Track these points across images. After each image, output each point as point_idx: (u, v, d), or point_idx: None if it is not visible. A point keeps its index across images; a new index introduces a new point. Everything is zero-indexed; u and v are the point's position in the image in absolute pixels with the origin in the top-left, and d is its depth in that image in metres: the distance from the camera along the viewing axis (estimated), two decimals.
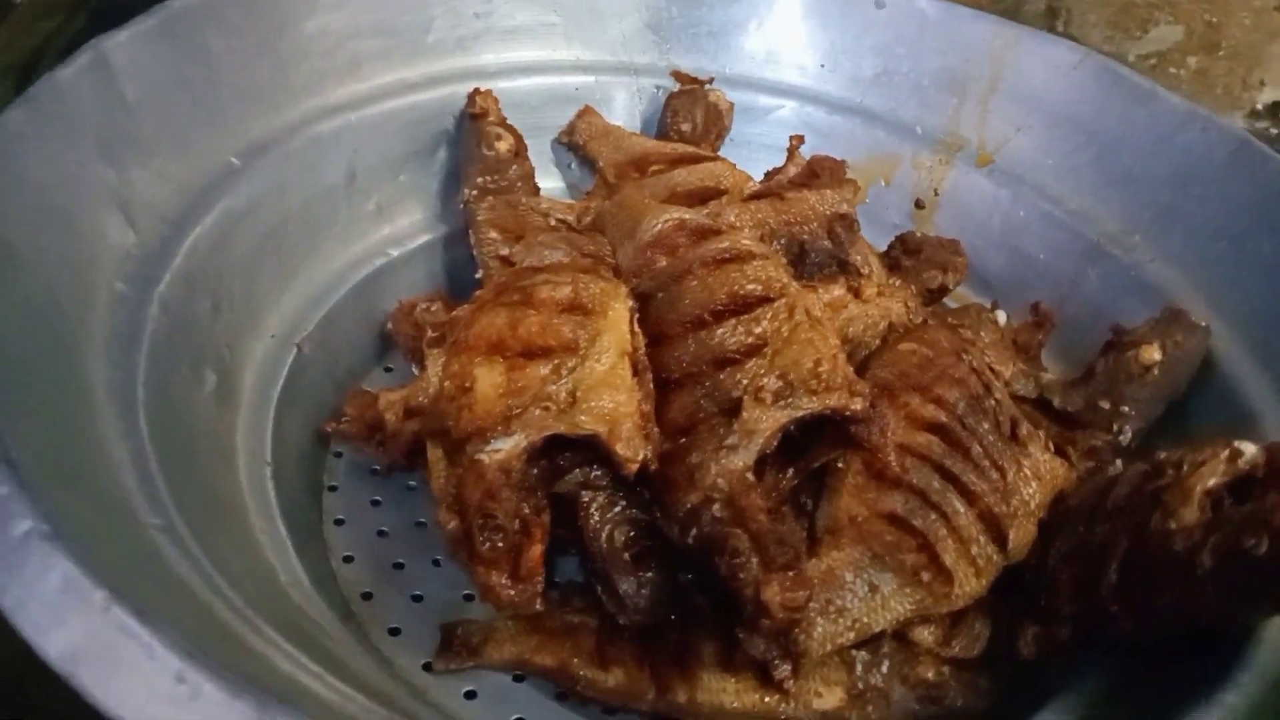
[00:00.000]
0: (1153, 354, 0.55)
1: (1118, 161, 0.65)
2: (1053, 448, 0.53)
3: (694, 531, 0.44)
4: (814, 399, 0.45)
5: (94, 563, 0.29)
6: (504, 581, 0.45)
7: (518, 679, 0.48)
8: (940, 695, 0.46)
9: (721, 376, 0.47)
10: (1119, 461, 0.57)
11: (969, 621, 0.50)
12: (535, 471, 0.46)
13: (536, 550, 0.45)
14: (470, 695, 0.47)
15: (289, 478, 0.51)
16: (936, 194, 0.71)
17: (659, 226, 0.54)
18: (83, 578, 0.29)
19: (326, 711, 0.34)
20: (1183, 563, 0.42)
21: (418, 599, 0.51)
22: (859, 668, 0.46)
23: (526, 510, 0.45)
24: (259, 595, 0.40)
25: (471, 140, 0.65)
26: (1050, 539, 0.50)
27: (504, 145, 0.65)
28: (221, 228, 0.52)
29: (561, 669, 0.47)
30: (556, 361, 0.47)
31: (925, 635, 0.48)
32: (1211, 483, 0.44)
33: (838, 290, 0.54)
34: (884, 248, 0.65)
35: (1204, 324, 0.57)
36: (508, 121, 0.66)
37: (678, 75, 0.73)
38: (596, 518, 0.48)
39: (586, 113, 0.71)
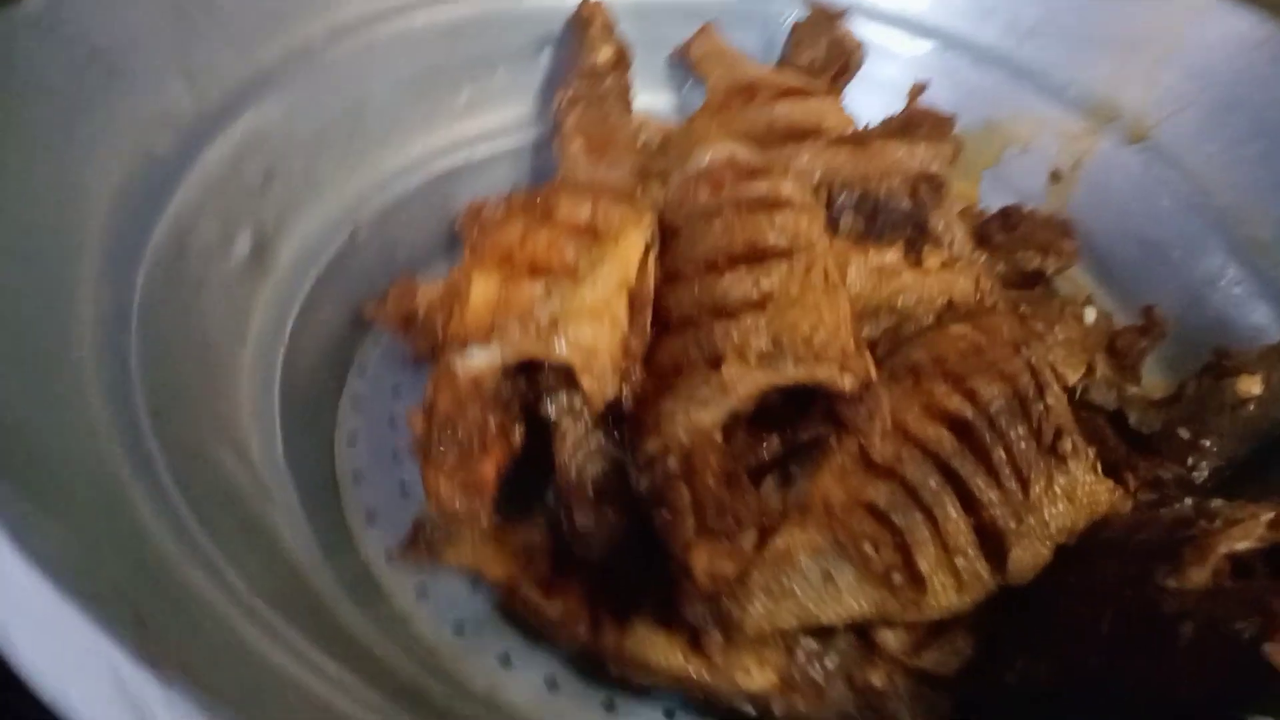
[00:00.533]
0: (1253, 386, 0.47)
1: None
2: (1100, 470, 0.46)
3: (646, 480, 0.42)
4: (800, 367, 0.42)
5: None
6: (450, 490, 0.44)
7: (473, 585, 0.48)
8: (883, 705, 0.42)
9: (715, 327, 0.44)
10: (1188, 501, 0.50)
11: (951, 635, 0.45)
12: (511, 387, 0.45)
13: (489, 467, 0.45)
14: (422, 592, 0.48)
15: (308, 357, 0.52)
16: (1076, 167, 0.63)
17: (708, 159, 0.51)
18: None
19: None
20: (1165, 628, 0.36)
21: (405, 490, 0.52)
22: (800, 655, 0.43)
23: (491, 426, 0.45)
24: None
25: (574, 46, 0.63)
26: (1067, 567, 0.44)
27: (604, 56, 0.63)
28: (290, 104, 0.53)
29: (509, 586, 0.46)
30: (553, 283, 0.45)
31: (891, 639, 0.44)
32: (1239, 547, 0.38)
33: (892, 255, 0.49)
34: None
35: None
36: (615, 33, 0.64)
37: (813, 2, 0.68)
38: (569, 448, 0.46)
39: (705, 32, 0.67)
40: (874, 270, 0.49)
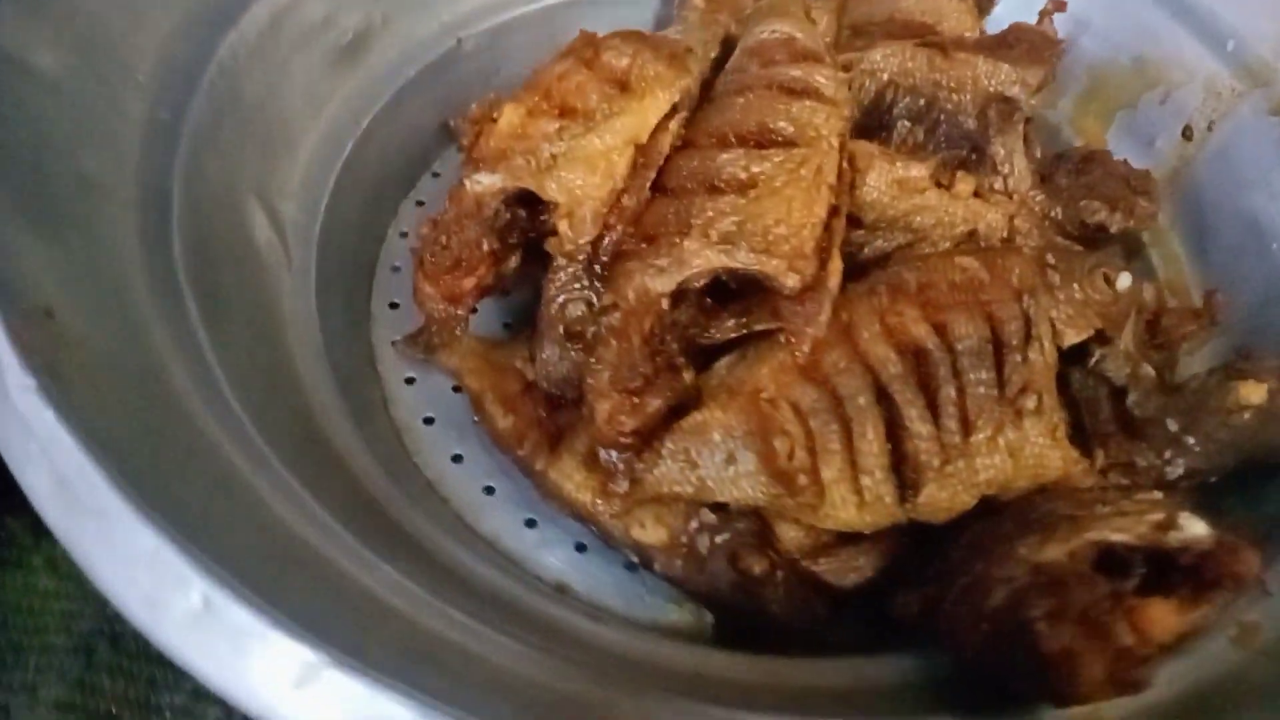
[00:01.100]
0: (1254, 394, 0.43)
1: None
2: (1061, 436, 0.45)
3: (592, 327, 0.45)
4: (751, 256, 0.42)
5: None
6: (432, 293, 0.49)
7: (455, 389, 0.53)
8: (756, 592, 0.44)
9: (698, 200, 0.45)
10: (1157, 494, 0.47)
11: (855, 551, 0.46)
12: (512, 216, 0.48)
13: (470, 282, 0.49)
14: (410, 380, 0.53)
15: (381, 150, 0.57)
16: (1211, 128, 0.57)
17: (765, 34, 0.50)
18: None
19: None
20: (987, 591, 0.36)
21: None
22: (695, 524, 0.45)
23: (484, 246, 0.48)
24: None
25: None
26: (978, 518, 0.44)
27: None
28: None
29: (476, 397, 0.51)
30: (567, 124, 0.47)
31: (790, 535, 0.46)
32: (1114, 538, 0.37)
33: (917, 170, 0.48)
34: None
35: None
36: None
37: None
38: (557, 285, 0.49)
39: None
40: (895, 181, 0.48)
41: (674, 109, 0.48)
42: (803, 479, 0.43)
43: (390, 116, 0.58)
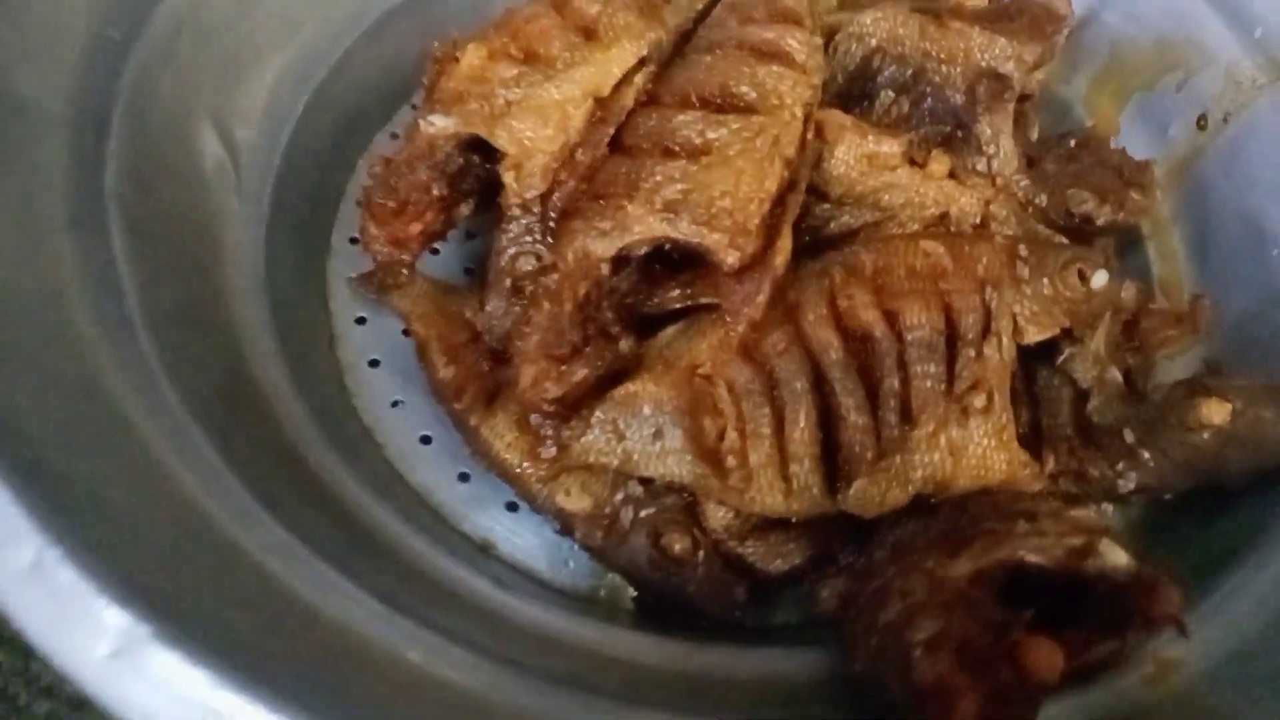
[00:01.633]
0: (1215, 414, 0.41)
1: None
2: (1009, 439, 0.43)
3: (530, 287, 0.44)
4: (692, 228, 0.40)
5: None
6: (378, 235, 0.47)
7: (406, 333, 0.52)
8: (675, 571, 0.43)
9: (649, 162, 0.43)
10: (1108, 508, 0.45)
11: (786, 537, 0.45)
12: (466, 162, 0.47)
13: (416, 227, 0.47)
14: (360, 320, 0.52)
15: (362, 72, 0.55)
16: (1227, 119, 0.53)
17: None
18: None
19: None
20: (874, 615, 0.35)
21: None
22: (620, 495, 0.44)
23: (434, 192, 0.47)
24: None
25: None
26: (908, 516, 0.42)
27: None
28: None
29: (422, 343, 0.50)
30: (526, 71, 0.45)
31: (717, 515, 0.44)
32: (1029, 559, 0.35)
33: (889, 146, 0.45)
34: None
35: None
36: None
37: None
38: (509, 237, 0.47)
39: None
40: (864, 156, 0.45)
41: (641, 62, 0.46)
42: (731, 461, 0.42)
43: (371, 43, 0.56)
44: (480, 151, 0.47)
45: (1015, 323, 0.44)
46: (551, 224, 0.46)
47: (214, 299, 0.45)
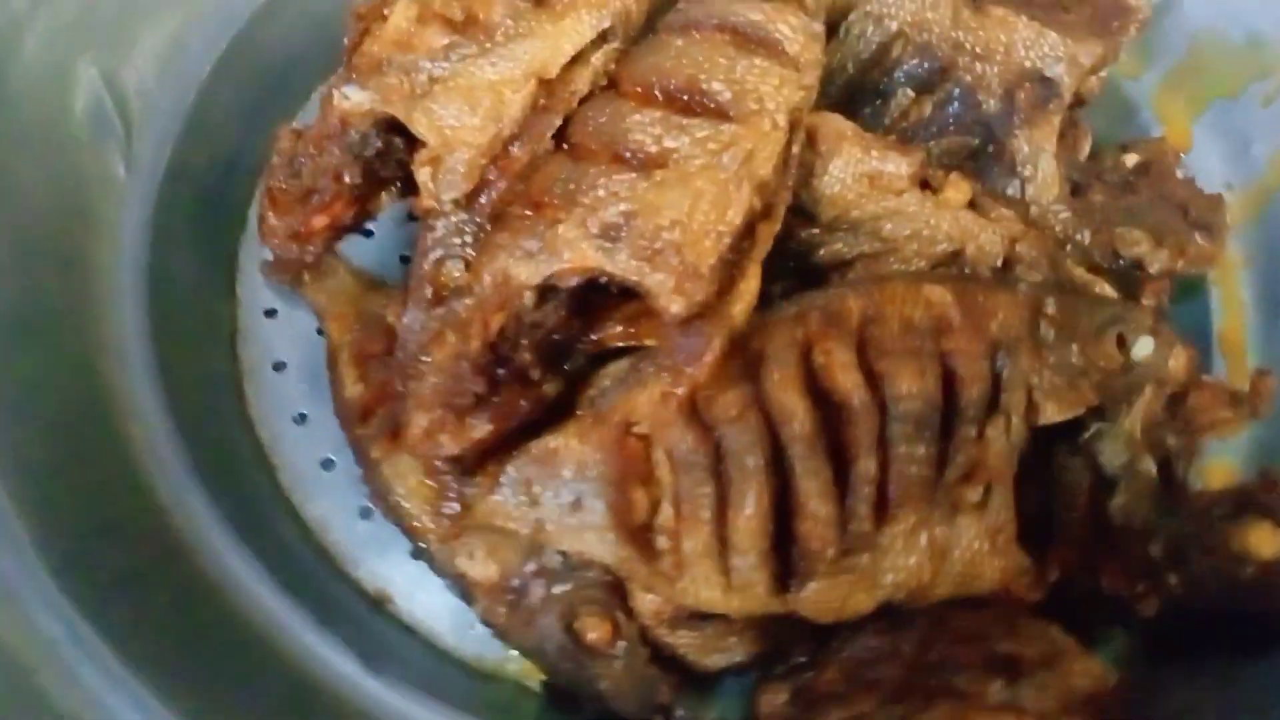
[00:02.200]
0: (1266, 547, 0.33)
1: None
2: (1004, 542, 0.35)
3: (440, 310, 0.36)
4: (631, 262, 0.32)
5: None
6: (277, 226, 0.40)
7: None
8: (586, 664, 0.36)
9: (593, 171, 0.35)
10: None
11: (728, 630, 0.38)
12: (384, 145, 0.39)
13: (321, 220, 0.40)
14: (271, 312, 0.45)
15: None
16: None
17: None
18: None
19: None
20: None
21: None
22: (531, 566, 0.37)
23: (344, 179, 0.39)
24: None
25: None
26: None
27: None
28: None
29: (332, 351, 0.43)
30: (458, 40, 0.37)
31: (645, 601, 0.37)
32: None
33: (894, 166, 0.36)
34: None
35: None
36: None
37: None
38: (434, 237, 0.39)
39: None
40: (865, 175, 0.37)
41: (602, 36, 0.38)
42: (662, 542, 0.35)
43: None
44: (403, 133, 0.39)
45: (1030, 398, 0.36)
46: (487, 226, 0.38)
47: (76, 288, 0.38)
